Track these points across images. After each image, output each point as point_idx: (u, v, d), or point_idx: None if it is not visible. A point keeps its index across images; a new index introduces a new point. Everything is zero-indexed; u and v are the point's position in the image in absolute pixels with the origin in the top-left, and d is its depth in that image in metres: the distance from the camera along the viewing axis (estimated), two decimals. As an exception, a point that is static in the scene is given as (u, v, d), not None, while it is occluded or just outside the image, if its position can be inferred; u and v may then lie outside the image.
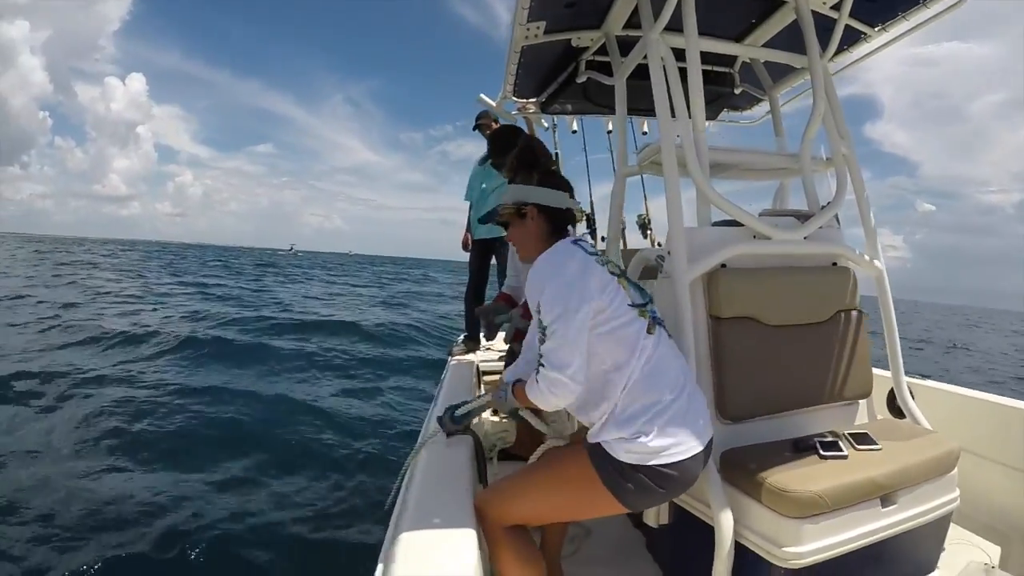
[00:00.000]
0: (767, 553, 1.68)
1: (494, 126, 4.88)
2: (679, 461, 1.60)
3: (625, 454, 1.60)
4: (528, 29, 2.66)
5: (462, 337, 5.11)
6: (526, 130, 4.43)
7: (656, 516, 2.11)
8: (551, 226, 1.91)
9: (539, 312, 1.68)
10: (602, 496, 1.65)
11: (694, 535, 1.93)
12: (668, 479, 1.61)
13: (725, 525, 1.73)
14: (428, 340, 14.42)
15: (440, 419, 2.18)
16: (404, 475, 2.12)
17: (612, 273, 1.75)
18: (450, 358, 4.66)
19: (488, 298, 4.85)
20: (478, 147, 5.11)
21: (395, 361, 11.55)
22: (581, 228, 5.03)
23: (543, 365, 1.65)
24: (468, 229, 5.05)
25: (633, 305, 1.70)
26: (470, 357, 4.47)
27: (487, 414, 3.91)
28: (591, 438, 1.71)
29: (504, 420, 4.32)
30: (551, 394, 1.64)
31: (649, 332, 1.69)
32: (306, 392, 8.47)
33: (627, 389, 1.64)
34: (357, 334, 14.15)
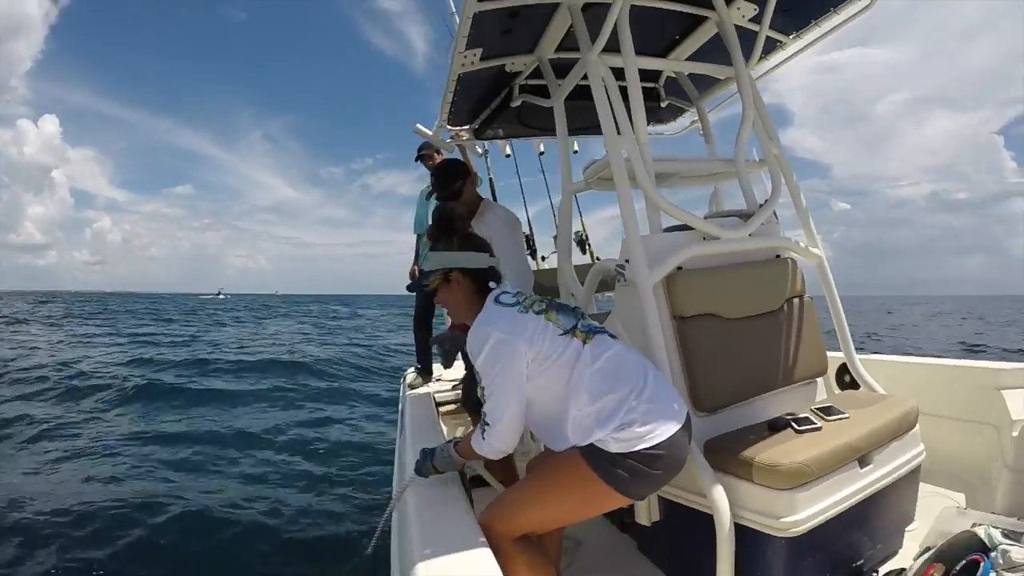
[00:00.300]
0: (766, 527, 1.78)
1: (436, 156, 4.95)
2: (665, 440, 1.69)
3: (615, 444, 1.67)
4: (465, 57, 2.74)
5: (413, 369, 5.09)
6: (460, 157, 4.52)
7: (648, 514, 2.18)
8: (476, 285, 2.04)
9: (478, 375, 1.86)
10: (603, 491, 1.72)
11: (689, 526, 2.02)
12: (658, 459, 1.69)
13: (723, 508, 1.82)
14: (375, 373, 14.72)
15: (418, 467, 2.18)
16: (389, 516, 2.14)
17: (538, 312, 1.87)
18: (405, 391, 4.63)
19: (436, 327, 4.89)
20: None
21: (347, 392, 11.73)
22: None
23: (487, 424, 1.83)
24: (416, 261, 5.05)
25: (564, 333, 1.82)
26: (425, 389, 4.46)
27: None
28: (580, 443, 1.77)
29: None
30: (496, 446, 1.85)
31: (586, 343, 1.81)
32: (265, 426, 8.59)
33: (588, 395, 1.74)
34: (303, 371, 14.18)
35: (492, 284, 2.05)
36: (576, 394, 1.75)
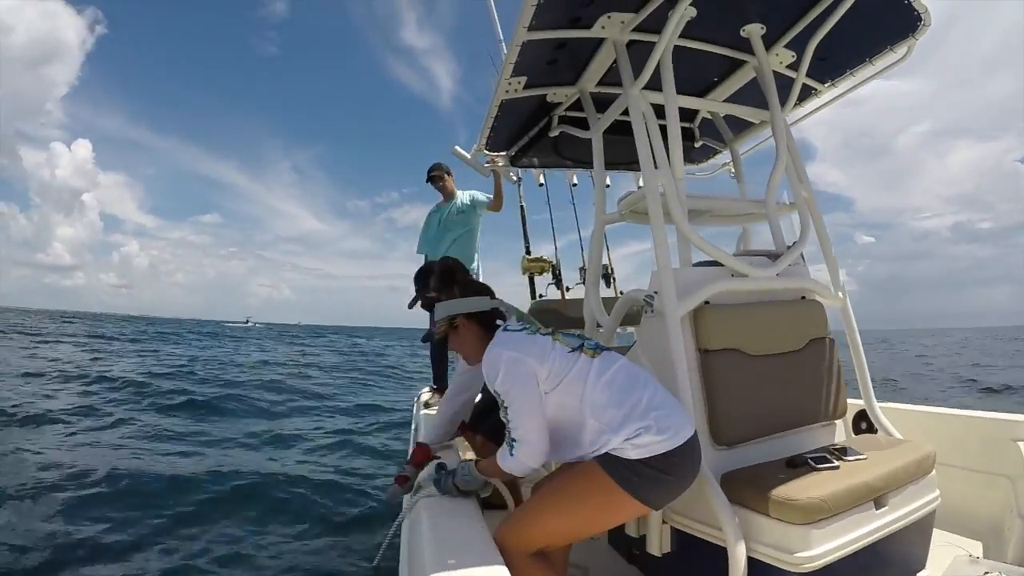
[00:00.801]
0: (780, 561, 1.80)
1: (447, 179, 5.08)
2: (679, 445, 1.76)
3: (633, 451, 1.74)
4: (510, 83, 2.84)
5: (428, 388, 5.12)
6: (494, 182, 4.61)
7: (659, 543, 2.19)
8: (482, 328, 2.18)
9: (499, 397, 1.92)
10: (621, 499, 1.76)
11: (701, 558, 2.03)
12: (673, 465, 1.76)
13: (738, 543, 1.84)
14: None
15: (438, 482, 2.23)
16: (397, 528, 2.18)
17: (544, 334, 1.99)
18: (419, 409, 4.66)
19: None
20: (425, 213, 5.28)
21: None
22: (548, 278, 5.18)
23: (515, 441, 1.88)
24: None
25: (572, 350, 1.92)
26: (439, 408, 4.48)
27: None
28: (597, 453, 1.82)
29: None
30: (526, 463, 1.89)
31: (594, 357, 1.90)
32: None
33: (603, 406, 1.80)
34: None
35: (498, 323, 2.17)
36: (591, 406, 1.81)
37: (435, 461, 2.39)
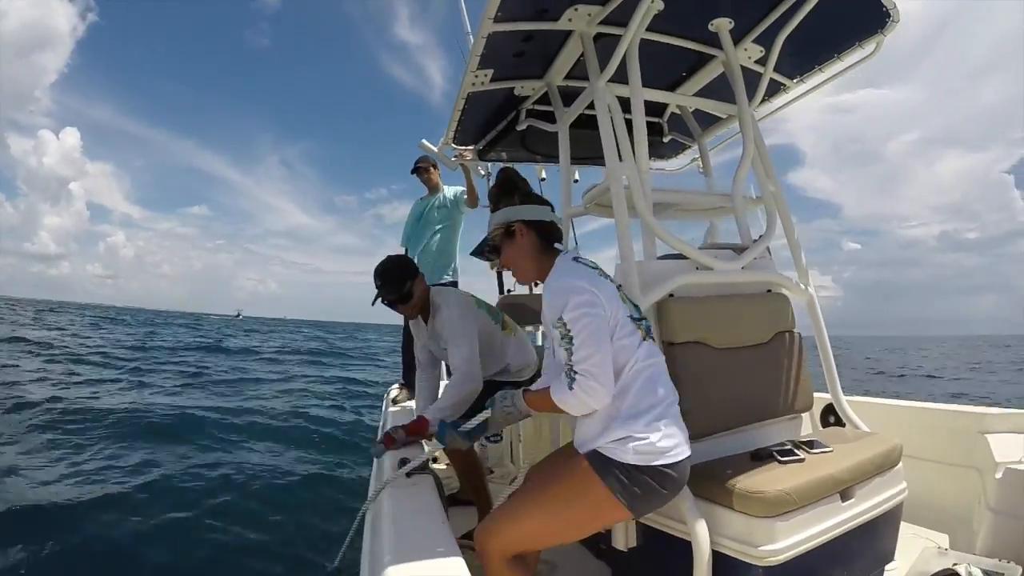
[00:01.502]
0: (744, 555, 1.78)
1: (432, 171, 5.03)
2: (679, 461, 1.69)
3: (633, 455, 1.65)
4: (477, 76, 2.81)
5: (397, 385, 5.09)
6: (464, 177, 4.58)
7: (625, 539, 2.17)
8: (540, 240, 1.98)
9: (564, 326, 1.72)
10: (608, 503, 1.68)
11: (667, 552, 2.00)
12: (670, 480, 1.68)
13: (702, 535, 1.81)
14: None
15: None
16: (363, 518, 2.13)
17: (615, 284, 1.86)
18: (388, 405, 4.62)
19: None
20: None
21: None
22: None
23: (577, 374, 1.68)
24: None
25: (632, 318, 1.79)
26: (407, 404, 4.44)
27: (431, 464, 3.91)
28: (588, 445, 1.75)
29: (447, 467, 4.32)
30: (587, 400, 1.69)
31: (644, 340, 1.78)
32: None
33: (629, 392, 1.71)
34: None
35: (558, 245, 2.01)
36: (621, 386, 1.71)
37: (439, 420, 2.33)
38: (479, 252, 2.20)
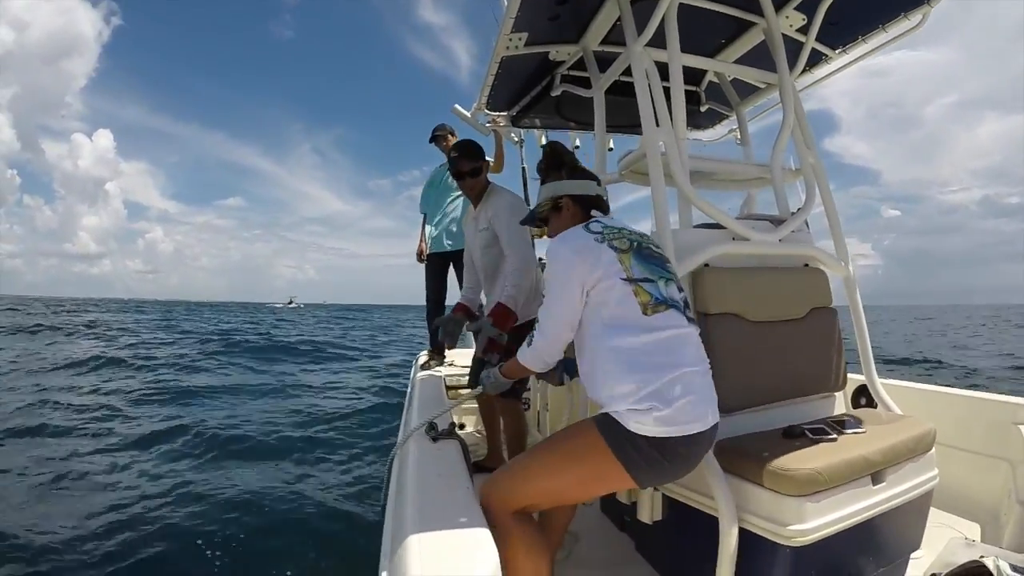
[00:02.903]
0: (772, 533, 1.73)
1: (451, 139, 4.96)
2: (688, 436, 1.63)
3: (636, 424, 1.61)
4: (511, 39, 2.73)
5: (426, 351, 5.13)
6: (495, 143, 4.53)
7: (651, 512, 2.15)
8: (584, 213, 2.04)
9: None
10: (612, 468, 1.65)
11: (692, 527, 1.98)
12: (676, 454, 1.64)
13: (729, 510, 1.78)
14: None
15: (482, 373, 2.23)
16: (390, 468, 2.14)
17: (616, 248, 1.79)
18: (417, 370, 4.66)
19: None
20: None
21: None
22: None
23: (535, 332, 1.87)
24: (422, 239, 5.10)
25: (629, 279, 1.73)
26: (436, 371, 4.47)
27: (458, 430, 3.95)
28: (602, 408, 1.72)
29: (477, 434, 4.35)
30: (539, 354, 1.88)
31: (649, 311, 1.71)
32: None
33: (635, 360, 1.66)
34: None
35: (596, 213, 2.04)
36: (623, 354, 1.68)
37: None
38: (530, 221, 2.21)
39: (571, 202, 2.04)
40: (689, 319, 1.79)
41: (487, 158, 3.13)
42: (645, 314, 1.71)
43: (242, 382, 12.21)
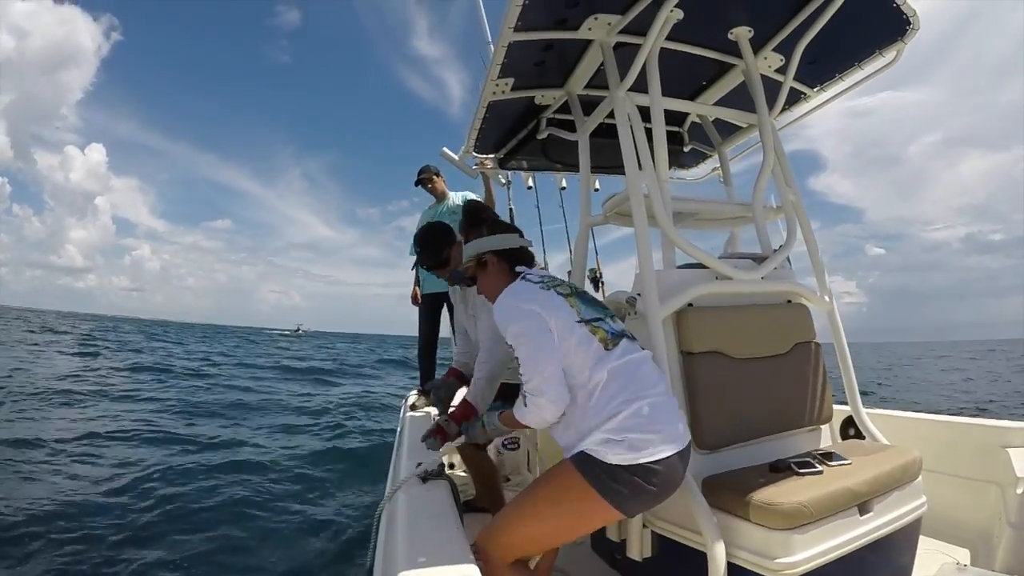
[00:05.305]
0: (760, 567, 1.76)
1: (436, 180, 5.03)
2: (666, 457, 1.66)
3: (614, 456, 1.65)
4: (498, 85, 2.82)
5: (416, 391, 5.11)
6: (484, 185, 4.58)
7: (640, 549, 2.16)
8: (510, 266, 2.09)
9: (510, 347, 1.85)
10: (597, 505, 1.68)
11: (682, 563, 1.99)
12: (657, 475, 1.66)
13: (717, 546, 1.80)
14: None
15: (467, 429, 2.23)
16: (379, 519, 2.14)
17: (561, 294, 1.88)
18: (406, 411, 4.64)
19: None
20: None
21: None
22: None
23: (527, 393, 1.80)
24: (416, 283, 5.10)
25: (582, 321, 1.81)
26: (426, 410, 4.46)
27: (446, 469, 3.93)
28: (573, 448, 1.75)
29: (464, 474, 4.34)
30: (539, 414, 1.80)
31: (608, 347, 1.78)
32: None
33: (598, 396, 1.72)
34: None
35: (522, 268, 2.08)
36: (586, 392, 1.74)
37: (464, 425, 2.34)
38: (457, 280, 2.27)
39: (495, 258, 2.10)
40: (638, 347, 1.88)
41: (458, 239, 2.99)
42: (607, 349, 1.78)
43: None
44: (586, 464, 1.69)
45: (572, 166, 3.89)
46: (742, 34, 2.70)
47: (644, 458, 1.64)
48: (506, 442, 4.26)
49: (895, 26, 2.68)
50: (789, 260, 2.65)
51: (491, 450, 3.75)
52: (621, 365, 1.75)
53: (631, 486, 1.66)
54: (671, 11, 2.31)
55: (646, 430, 1.67)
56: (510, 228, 2.21)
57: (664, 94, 2.51)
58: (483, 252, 2.10)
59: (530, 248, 2.20)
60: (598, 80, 2.90)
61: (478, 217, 2.19)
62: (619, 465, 1.65)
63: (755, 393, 2.32)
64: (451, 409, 2.70)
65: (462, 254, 2.71)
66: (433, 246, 2.95)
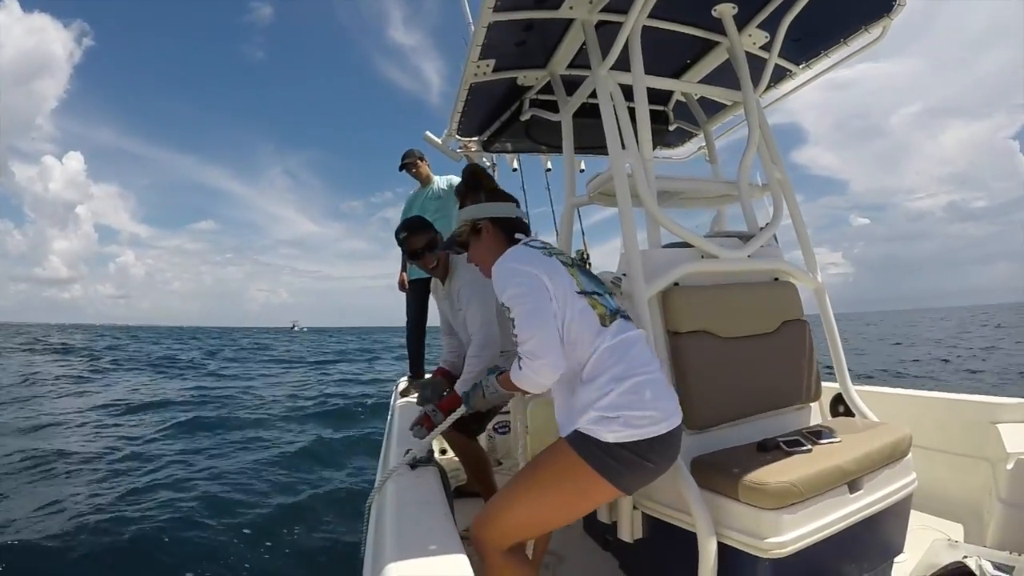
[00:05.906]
0: (750, 547, 1.75)
1: (420, 164, 5.02)
2: (663, 434, 1.65)
3: (609, 434, 1.62)
4: (479, 66, 2.78)
5: (406, 377, 5.09)
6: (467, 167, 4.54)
7: (631, 531, 2.15)
8: (506, 235, 2.02)
9: (507, 309, 1.76)
10: (595, 483, 1.65)
11: (673, 544, 1.98)
12: (655, 452, 1.65)
13: (706, 526, 1.80)
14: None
15: (467, 397, 2.14)
16: (369, 509, 2.12)
17: (563, 263, 1.84)
18: (396, 398, 4.62)
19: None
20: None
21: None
22: None
23: (522, 355, 1.71)
24: (403, 269, 5.07)
25: (583, 292, 1.77)
26: (415, 398, 4.45)
27: (438, 454, 3.91)
28: (568, 427, 1.73)
29: (455, 460, 4.33)
30: (535, 378, 1.70)
31: (605, 323, 1.75)
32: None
33: (594, 371, 1.70)
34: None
35: (521, 236, 2.04)
36: (583, 366, 1.72)
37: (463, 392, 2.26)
38: (447, 247, 2.22)
39: (491, 225, 2.02)
40: (632, 326, 1.85)
41: (436, 232, 3.10)
42: (604, 325, 1.75)
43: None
44: (582, 443, 1.66)
45: (556, 147, 3.85)
46: (726, 11, 2.66)
47: (640, 436, 1.63)
48: (497, 426, 4.24)
49: (882, 1, 2.65)
50: (776, 238, 2.63)
51: (482, 437, 3.72)
52: (617, 343, 1.72)
53: (628, 464, 1.64)
54: None
55: (641, 407, 1.64)
56: (508, 196, 2.12)
57: (648, 73, 2.47)
58: (479, 218, 2.02)
59: (526, 221, 2.13)
60: (580, 60, 2.86)
61: (477, 181, 2.10)
62: (615, 443, 1.62)
63: (743, 372, 2.30)
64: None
65: (437, 244, 2.67)
66: (418, 228, 3.02)
